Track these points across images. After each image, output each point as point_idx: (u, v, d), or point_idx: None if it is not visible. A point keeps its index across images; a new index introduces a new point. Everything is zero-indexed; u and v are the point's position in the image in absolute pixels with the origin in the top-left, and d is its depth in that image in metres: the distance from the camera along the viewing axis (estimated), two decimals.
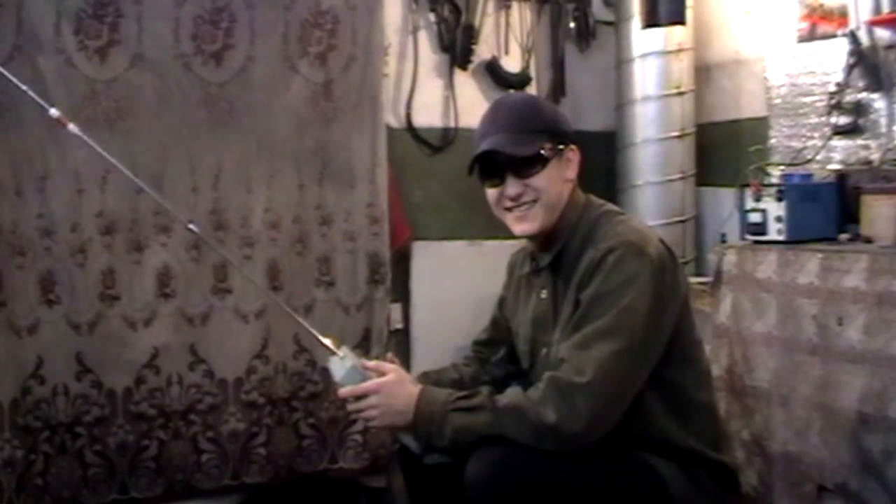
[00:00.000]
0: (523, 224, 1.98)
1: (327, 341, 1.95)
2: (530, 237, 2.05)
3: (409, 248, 3.45)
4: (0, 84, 2.23)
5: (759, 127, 3.35)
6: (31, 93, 2.07)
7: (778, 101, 3.28)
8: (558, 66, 3.75)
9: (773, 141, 3.28)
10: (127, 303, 2.80)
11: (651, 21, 3.35)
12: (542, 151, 1.94)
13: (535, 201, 1.95)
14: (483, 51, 3.59)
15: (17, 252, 2.67)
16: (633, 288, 1.82)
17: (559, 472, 1.79)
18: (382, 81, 3.18)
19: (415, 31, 3.49)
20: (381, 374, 1.94)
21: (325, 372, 2.92)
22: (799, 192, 2.80)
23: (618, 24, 3.67)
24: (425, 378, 2.13)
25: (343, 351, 1.95)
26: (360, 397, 1.91)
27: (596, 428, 1.78)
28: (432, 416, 1.86)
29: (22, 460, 2.67)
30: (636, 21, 3.49)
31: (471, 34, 3.53)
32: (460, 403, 1.86)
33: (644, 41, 3.52)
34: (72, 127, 2.03)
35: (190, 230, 2.23)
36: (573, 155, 2.01)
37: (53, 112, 2.03)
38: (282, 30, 2.95)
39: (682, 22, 3.38)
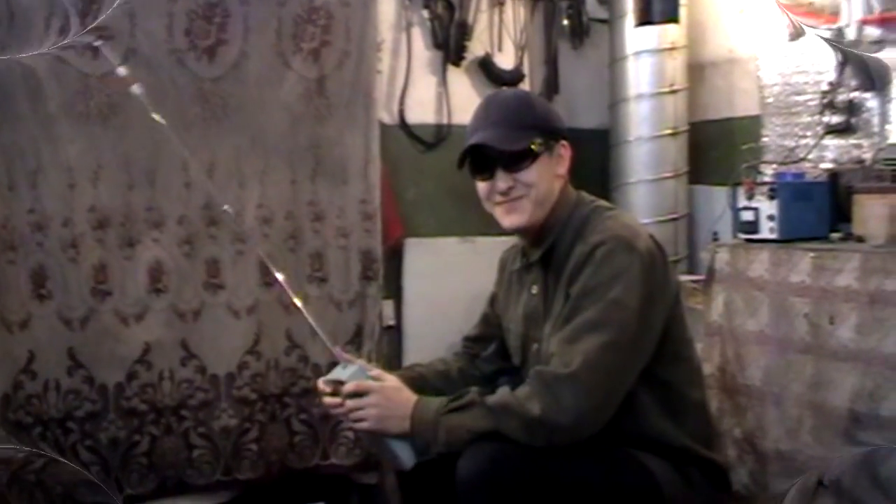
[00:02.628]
0: (512, 216, 1.98)
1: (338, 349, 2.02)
2: (520, 232, 2.05)
3: (402, 245, 3.44)
4: None
5: (751, 125, 3.35)
6: None
7: (771, 99, 3.27)
8: (552, 63, 3.74)
9: (765, 139, 3.27)
10: (119, 298, 2.79)
11: (645, 19, 3.35)
12: (532, 146, 1.94)
13: (524, 196, 1.95)
14: (476, 48, 3.57)
15: (8, 247, 2.66)
16: (621, 282, 1.82)
17: (551, 469, 1.79)
18: (376, 78, 3.18)
19: (408, 27, 3.48)
20: (382, 381, 1.95)
21: (317, 368, 2.96)
22: (791, 191, 2.79)
23: (611, 22, 3.66)
24: (411, 370, 2.14)
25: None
26: (359, 395, 1.91)
27: (583, 420, 1.78)
28: (427, 424, 1.86)
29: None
30: (630, 19, 3.48)
31: (464, 31, 3.52)
32: (452, 405, 1.86)
33: (638, 39, 3.51)
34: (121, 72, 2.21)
35: (225, 212, 2.43)
36: (564, 151, 2.01)
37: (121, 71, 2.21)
38: (275, 25, 2.95)
39: (675, 20, 3.37)
